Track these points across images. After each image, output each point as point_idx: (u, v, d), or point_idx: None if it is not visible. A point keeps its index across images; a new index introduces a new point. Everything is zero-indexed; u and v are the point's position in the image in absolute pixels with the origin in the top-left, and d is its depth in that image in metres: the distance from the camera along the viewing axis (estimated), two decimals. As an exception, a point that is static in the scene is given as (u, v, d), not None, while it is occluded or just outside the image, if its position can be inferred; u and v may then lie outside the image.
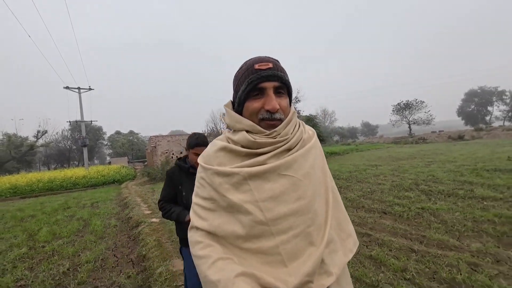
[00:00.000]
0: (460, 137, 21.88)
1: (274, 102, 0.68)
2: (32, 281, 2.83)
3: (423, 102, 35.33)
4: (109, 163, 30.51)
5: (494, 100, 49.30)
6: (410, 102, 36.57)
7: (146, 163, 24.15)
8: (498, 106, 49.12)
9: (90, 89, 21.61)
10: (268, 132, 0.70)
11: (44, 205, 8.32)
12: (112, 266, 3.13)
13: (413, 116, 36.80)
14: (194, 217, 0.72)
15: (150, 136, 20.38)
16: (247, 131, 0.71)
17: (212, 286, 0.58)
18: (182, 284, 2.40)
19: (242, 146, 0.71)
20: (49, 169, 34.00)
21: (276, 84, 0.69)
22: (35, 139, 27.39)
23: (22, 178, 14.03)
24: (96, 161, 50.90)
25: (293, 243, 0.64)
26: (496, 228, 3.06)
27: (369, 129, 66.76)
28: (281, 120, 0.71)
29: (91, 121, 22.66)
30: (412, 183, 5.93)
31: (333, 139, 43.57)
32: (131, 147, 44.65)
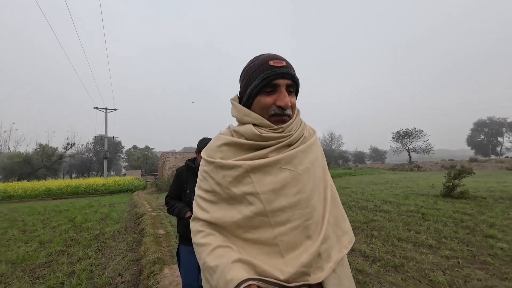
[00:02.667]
0: (452, 167, 22.66)
1: (287, 99, 0.70)
2: (80, 237, 4.96)
3: (422, 131, 36.32)
4: (124, 175, 33.44)
5: (504, 131, 48.95)
6: (410, 130, 37.54)
7: (157, 176, 26.65)
8: (509, 137, 48.61)
9: (115, 109, 25.12)
10: (275, 127, 0.72)
11: (73, 204, 10.70)
12: (123, 234, 5.20)
13: (413, 144, 37.61)
14: (196, 209, 0.74)
15: (161, 153, 23.08)
16: (254, 125, 0.73)
17: (211, 272, 0.61)
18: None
19: (246, 139, 0.73)
20: (71, 177, 37.53)
21: (288, 82, 0.71)
22: (65, 150, 31.18)
23: (54, 183, 16.81)
24: (112, 173, 54.58)
25: (290, 236, 0.66)
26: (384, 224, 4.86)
27: (377, 155, 66.75)
28: (290, 117, 0.74)
29: (114, 137, 25.92)
30: (353, 200, 7.69)
31: (338, 163, 44.52)
32: (145, 161, 48.09)
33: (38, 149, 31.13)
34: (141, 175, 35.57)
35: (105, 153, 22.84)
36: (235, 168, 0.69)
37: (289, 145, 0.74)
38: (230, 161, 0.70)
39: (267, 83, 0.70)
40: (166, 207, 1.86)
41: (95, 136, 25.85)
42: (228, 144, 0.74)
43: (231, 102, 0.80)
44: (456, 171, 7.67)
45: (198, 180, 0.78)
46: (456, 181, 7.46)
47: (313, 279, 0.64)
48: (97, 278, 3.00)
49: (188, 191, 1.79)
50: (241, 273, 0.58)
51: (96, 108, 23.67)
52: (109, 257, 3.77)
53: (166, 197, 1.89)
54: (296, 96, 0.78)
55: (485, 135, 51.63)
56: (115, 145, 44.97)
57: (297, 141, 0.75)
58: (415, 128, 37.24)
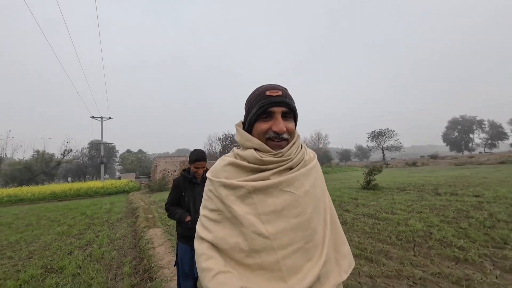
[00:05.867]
0: (414, 164, 25.59)
1: (281, 125, 0.74)
2: (95, 222, 7.36)
3: (393, 131, 39.71)
4: (119, 178, 35.47)
5: (474, 128, 53.02)
6: (383, 130, 40.86)
7: (150, 178, 28.83)
8: (479, 134, 52.77)
9: (110, 118, 27.20)
10: (274, 152, 0.75)
11: (79, 203, 12.99)
12: (125, 219, 7.62)
13: (386, 143, 40.96)
14: (200, 228, 0.76)
15: (154, 157, 25.32)
16: (256, 149, 0.76)
17: None
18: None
19: (249, 162, 0.76)
20: (67, 181, 39.28)
21: (284, 109, 0.75)
22: (62, 156, 33.08)
23: (58, 187, 18.95)
24: (107, 176, 56.29)
25: (292, 259, 0.67)
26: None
27: (362, 152, 69.87)
28: (287, 140, 0.77)
29: (109, 143, 28.00)
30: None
31: (321, 161, 47.42)
32: (139, 164, 50.04)
33: (36, 155, 32.91)
34: (135, 177, 37.64)
35: (101, 158, 24.98)
36: (239, 188, 0.72)
37: (290, 168, 0.76)
38: (234, 181, 0.74)
39: (264, 111, 0.75)
40: (167, 213, 2.08)
41: (90, 142, 27.83)
42: (232, 165, 0.78)
43: (236, 127, 0.85)
44: (371, 169, 10.34)
45: (203, 200, 0.81)
46: (371, 177, 10.13)
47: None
48: (112, 236, 5.45)
49: (186, 199, 2.01)
50: None
51: (92, 117, 25.74)
52: (117, 230, 6.20)
53: (166, 204, 2.10)
54: (296, 121, 0.81)
55: (459, 132, 55.71)
56: (110, 150, 46.80)
57: (297, 165, 0.77)
58: (388, 128, 40.58)
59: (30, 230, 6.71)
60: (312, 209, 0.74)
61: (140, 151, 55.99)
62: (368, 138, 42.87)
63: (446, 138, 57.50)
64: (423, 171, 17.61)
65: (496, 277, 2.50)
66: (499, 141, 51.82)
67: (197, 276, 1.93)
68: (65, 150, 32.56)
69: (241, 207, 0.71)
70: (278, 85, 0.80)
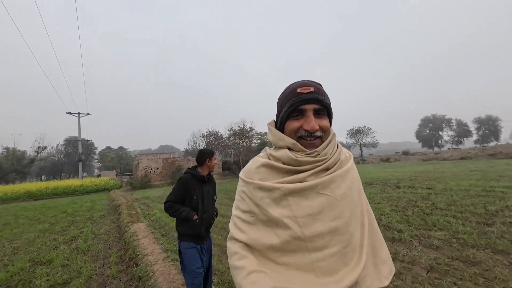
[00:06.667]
0: (387, 160, 27.42)
1: (313, 123, 0.71)
2: (77, 219, 7.48)
3: (370, 128, 42.06)
4: (99, 175, 34.38)
5: (444, 126, 57.29)
6: (361, 128, 43.08)
7: (132, 176, 28.34)
8: (447, 132, 57.28)
9: (88, 114, 26.28)
10: (309, 151, 0.72)
11: (58, 202, 12.76)
12: (107, 216, 7.80)
13: (364, 140, 43.28)
14: (234, 229, 0.76)
15: (136, 155, 24.93)
16: (289, 149, 0.74)
17: None
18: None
19: (283, 163, 0.74)
20: (41, 180, 37.37)
21: (316, 106, 0.72)
22: (36, 154, 31.43)
23: (33, 185, 18.23)
24: (84, 174, 54.10)
25: (328, 262, 0.66)
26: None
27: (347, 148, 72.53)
28: (321, 138, 0.74)
29: (87, 140, 27.09)
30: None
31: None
32: (119, 162, 48.60)
33: (6, 152, 31.00)
34: (116, 175, 36.67)
35: (79, 155, 24.21)
36: (274, 190, 0.70)
37: (327, 169, 0.74)
38: (269, 183, 0.72)
39: (294, 109, 0.72)
40: (169, 210, 2.01)
41: (67, 139, 26.78)
42: (266, 166, 0.76)
43: (268, 126, 0.83)
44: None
45: (236, 201, 0.80)
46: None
47: None
48: (96, 231, 5.70)
49: (195, 197, 2.01)
50: None
51: (69, 113, 24.76)
52: (101, 226, 6.42)
53: (168, 202, 2.03)
54: (330, 119, 0.78)
55: (430, 129, 59.91)
56: (88, 147, 44.96)
57: (334, 165, 0.75)
58: (365, 126, 42.83)
59: (9, 229, 6.73)
60: (349, 213, 0.72)
61: (121, 148, 54.25)
62: (347, 135, 45.03)
63: (418, 135, 61.79)
64: (394, 167, 19.01)
65: (417, 252, 3.19)
66: (465, 138, 56.93)
67: (206, 271, 2.12)
68: (39, 147, 30.96)
69: (276, 210, 0.70)
70: (311, 81, 0.77)
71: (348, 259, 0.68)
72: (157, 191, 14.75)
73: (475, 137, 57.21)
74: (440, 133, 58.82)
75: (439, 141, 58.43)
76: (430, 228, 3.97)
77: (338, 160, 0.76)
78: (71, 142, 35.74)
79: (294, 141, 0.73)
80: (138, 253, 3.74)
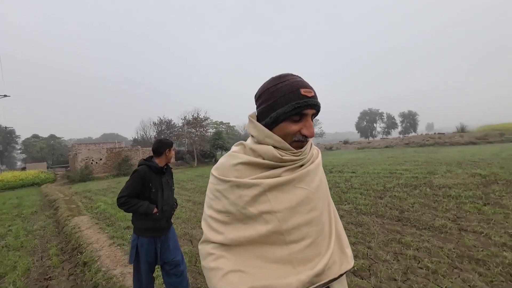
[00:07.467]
0: (330, 148, 30.78)
1: (313, 129, 0.72)
2: (1, 218, 6.68)
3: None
4: (24, 168, 29.36)
5: (377, 119, 66.95)
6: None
7: (69, 168, 25.11)
8: (380, 124, 67.32)
9: (5, 96, 21.99)
10: (295, 151, 0.73)
11: (-30, 201, 10.80)
12: (41, 212, 7.16)
13: (311, 130, 47.59)
14: (208, 231, 0.73)
15: (72, 144, 22.12)
16: (274, 147, 0.73)
17: None
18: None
19: (264, 159, 0.73)
20: None
21: (314, 111, 0.73)
22: None
23: None
24: (3, 167, 45.24)
25: (304, 253, 0.69)
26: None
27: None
28: (308, 141, 0.76)
29: (6, 127, 22.77)
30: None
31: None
32: (51, 152, 42.10)
33: None
34: (48, 167, 31.91)
35: (-5, 146, 20.26)
36: (253, 187, 0.70)
37: (301, 165, 0.76)
38: (248, 180, 0.71)
39: (297, 112, 0.70)
40: (125, 206, 1.90)
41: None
42: (245, 164, 0.74)
43: (250, 119, 0.79)
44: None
45: (208, 199, 0.77)
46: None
47: (328, 275, 0.70)
48: (29, 228, 5.32)
49: (153, 190, 1.96)
50: None
51: (-23, 94, 20.30)
52: (34, 222, 5.95)
53: (122, 197, 1.90)
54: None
55: (367, 121, 69.18)
56: (7, 135, 37.49)
57: (308, 162, 0.77)
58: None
59: None
60: (322, 204, 0.76)
61: (53, 137, 46.60)
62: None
63: (358, 126, 71.31)
64: (334, 155, 21.53)
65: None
66: (392, 130, 68.47)
67: (160, 265, 2.06)
68: None
69: (255, 207, 0.69)
70: (308, 83, 0.75)
71: (320, 247, 0.72)
72: (101, 184, 13.69)
73: (400, 128, 68.36)
74: (374, 124, 68.80)
75: (373, 132, 68.07)
76: (342, 203, 5.05)
77: (312, 156, 0.81)
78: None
79: (282, 140, 0.72)
80: (82, 243, 3.81)
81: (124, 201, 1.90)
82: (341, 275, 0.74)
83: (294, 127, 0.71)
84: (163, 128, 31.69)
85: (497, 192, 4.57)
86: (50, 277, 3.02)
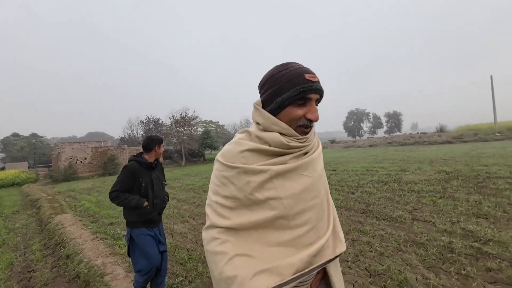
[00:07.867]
0: (318, 147, 31.55)
1: (317, 113, 0.74)
2: (-20, 217, 6.60)
3: None
4: (3, 168, 28.22)
5: (364, 118, 68.95)
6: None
7: (51, 168, 24.38)
8: (366, 124, 69.42)
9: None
10: (301, 137, 0.75)
11: None
12: (22, 211, 7.11)
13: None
14: (214, 216, 0.73)
15: (55, 143, 21.53)
16: (281, 133, 0.74)
17: (228, 282, 0.64)
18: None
19: (270, 146, 0.74)
20: None
21: (318, 96, 0.74)
22: None
23: None
24: (-20, 167, 43.14)
25: (306, 237, 0.72)
26: (195, 188, 8.55)
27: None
28: (312, 127, 0.78)
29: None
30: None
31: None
32: (33, 151, 40.61)
33: None
34: (29, 167, 30.81)
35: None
36: (261, 174, 0.71)
37: (306, 153, 0.78)
38: (256, 166, 0.72)
39: (302, 97, 0.71)
40: (117, 200, 1.97)
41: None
42: (252, 150, 0.75)
43: (255, 107, 0.80)
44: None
45: (214, 186, 0.78)
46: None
47: (325, 255, 0.74)
48: (10, 227, 5.34)
49: (143, 185, 2.02)
50: (261, 284, 0.63)
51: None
52: (16, 221, 5.95)
53: (114, 191, 1.97)
54: None
55: (354, 121, 71.11)
56: (-17, 133, 35.75)
57: (311, 150, 0.80)
58: (303, 117, 47.23)
59: None
60: (323, 191, 0.79)
61: (34, 135, 44.93)
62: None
63: (345, 126, 73.41)
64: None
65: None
66: (378, 129, 70.87)
67: (161, 252, 2.10)
68: None
69: (262, 193, 0.71)
70: (310, 69, 0.76)
71: (320, 231, 0.76)
72: (85, 183, 13.50)
73: (385, 128, 70.77)
74: (361, 124, 70.83)
75: (360, 131, 70.05)
76: (317, 198, 5.41)
77: (314, 145, 0.82)
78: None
79: (289, 127, 0.73)
80: (65, 238, 3.94)
81: (116, 196, 1.98)
82: (336, 256, 0.78)
83: (299, 112, 0.73)
84: (151, 127, 31.32)
85: (455, 187, 5.04)
86: (33, 269, 3.17)
